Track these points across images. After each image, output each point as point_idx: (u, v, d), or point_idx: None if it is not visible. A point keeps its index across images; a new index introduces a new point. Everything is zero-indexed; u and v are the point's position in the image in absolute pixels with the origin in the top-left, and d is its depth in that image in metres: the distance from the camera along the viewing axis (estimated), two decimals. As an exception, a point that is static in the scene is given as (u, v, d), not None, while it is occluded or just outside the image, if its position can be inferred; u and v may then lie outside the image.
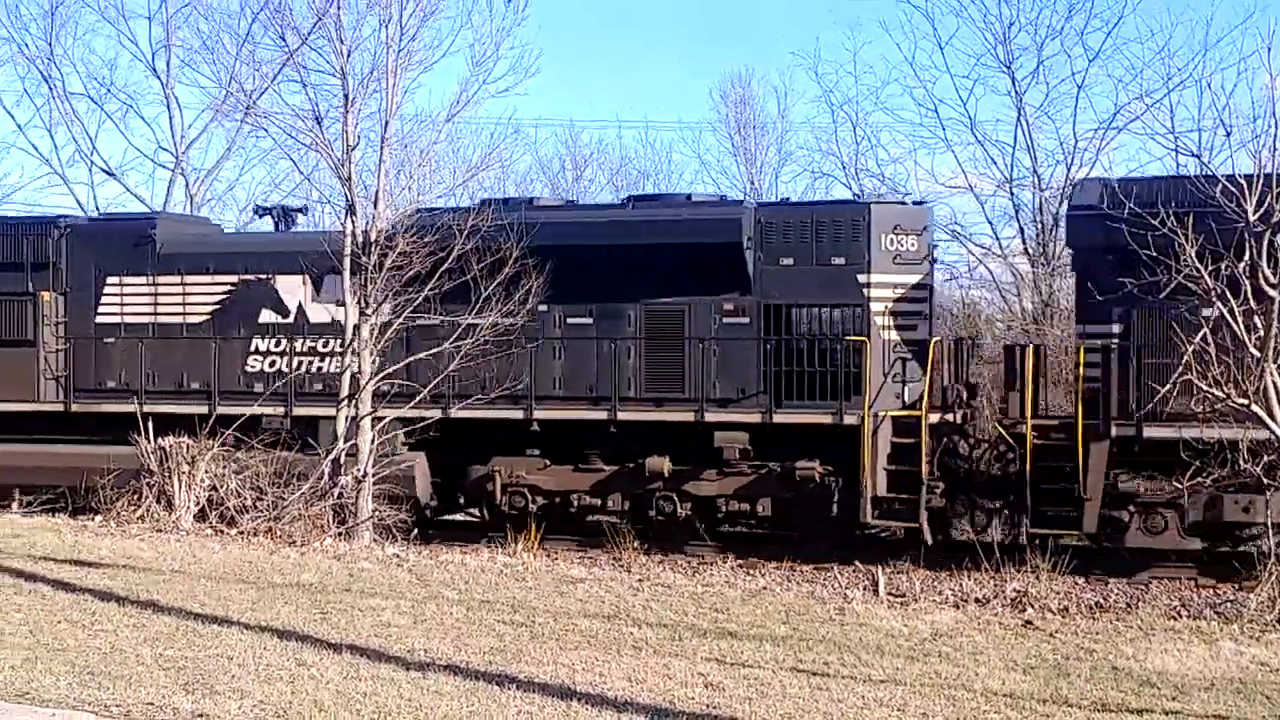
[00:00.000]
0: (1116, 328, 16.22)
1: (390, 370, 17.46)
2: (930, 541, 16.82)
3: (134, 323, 20.32)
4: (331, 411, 18.09)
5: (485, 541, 17.75)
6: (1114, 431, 15.93)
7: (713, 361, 17.87)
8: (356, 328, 17.41)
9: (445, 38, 18.00)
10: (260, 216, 23.20)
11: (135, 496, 17.82)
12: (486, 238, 17.14)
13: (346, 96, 17.53)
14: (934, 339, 17.82)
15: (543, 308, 17.98)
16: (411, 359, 17.69)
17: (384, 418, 17.47)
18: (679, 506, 17.88)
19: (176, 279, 20.23)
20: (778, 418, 17.47)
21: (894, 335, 17.69)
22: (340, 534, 16.55)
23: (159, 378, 20.05)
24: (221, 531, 16.62)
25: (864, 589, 14.16)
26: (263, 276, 19.89)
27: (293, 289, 19.83)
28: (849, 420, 17.04)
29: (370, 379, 17.39)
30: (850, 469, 17.13)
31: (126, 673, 9.19)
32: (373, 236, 17.17)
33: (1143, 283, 14.85)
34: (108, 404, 20.15)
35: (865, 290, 17.58)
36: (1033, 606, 12.76)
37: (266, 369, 19.78)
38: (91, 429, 19.97)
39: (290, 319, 19.80)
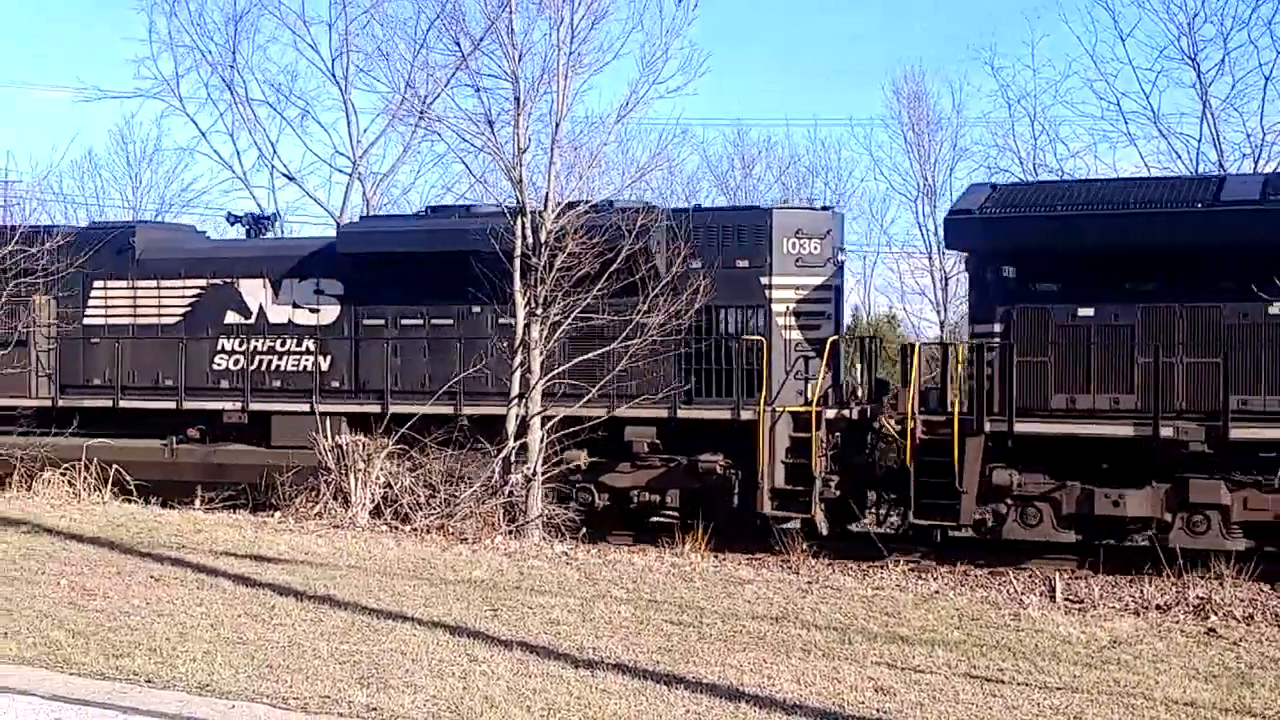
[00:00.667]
0: (998, 327, 17.11)
1: (559, 369, 17.71)
2: (825, 532, 17.59)
3: (115, 324, 21.90)
4: (286, 406, 20.15)
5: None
6: (987, 427, 16.67)
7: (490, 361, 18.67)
8: (526, 327, 17.59)
9: (615, 40, 18.11)
10: (232, 224, 24.35)
11: (313, 494, 18.23)
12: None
13: (518, 100, 17.71)
14: (831, 337, 18.52)
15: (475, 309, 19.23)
16: (581, 358, 17.96)
17: (553, 416, 17.64)
18: (596, 497, 18.79)
19: (153, 283, 21.80)
20: (682, 413, 18.28)
21: (796, 335, 18.48)
22: (510, 532, 16.71)
23: (137, 375, 21.48)
24: (395, 528, 16.89)
25: (1040, 594, 13.79)
26: (228, 280, 21.29)
27: (254, 291, 21.16)
28: (746, 415, 17.86)
29: (540, 379, 17.57)
30: (751, 462, 17.84)
31: (303, 666, 9.38)
32: (542, 238, 17.35)
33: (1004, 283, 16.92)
34: (90, 400, 21.77)
35: (767, 292, 18.40)
36: (1216, 614, 12.30)
37: (231, 367, 21.19)
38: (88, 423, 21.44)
39: (252, 320, 21.14)
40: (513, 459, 17.61)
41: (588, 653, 9.90)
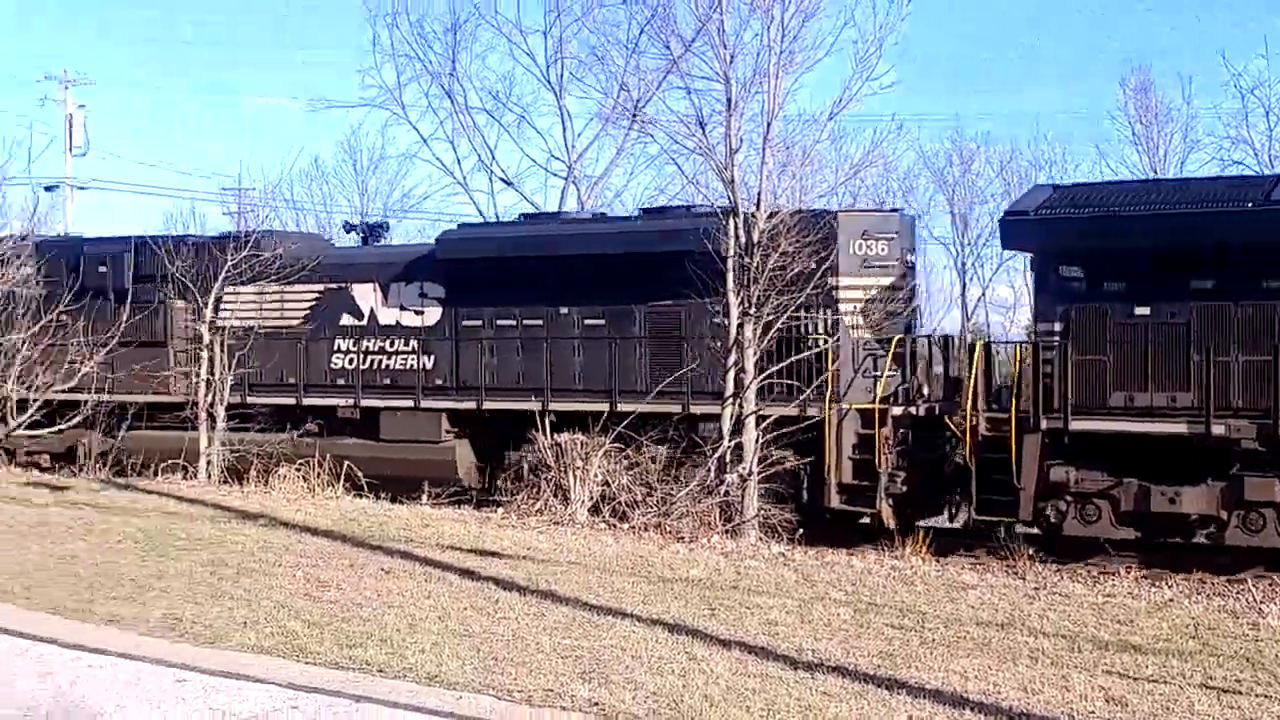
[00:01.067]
0: (1058, 325, 17.30)
1: (773, 369, 17.72)
2: (892, 526, 17.82)
3: (245, 326, 23.09)
4: (393, 402, 21.52)
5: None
6: (1044, 424, 16.87)
7: (705, 359, 19.05)
8: (740, 327, 17.59)
9: (827, 37, 17.99)
10: (348, 232, 25.74)
11: (534, 491, 18.54)
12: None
13: (729, 100, 17.72)
14: (896, 337, 18.69)
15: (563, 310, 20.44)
16: (795, 358, 17.99)
17: (768, 416, 17.62)
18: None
19: (278, 288, 23.15)
20: (768, 410, 18.26)
21: (865, 334, 18.76)
22: (727, 531, 16.72)
23: (264, 373, 22.74)
24: (614, 526, 17.05)
25: (1280, 604, 13.20)
26: (343, 285, 22.65)
27: (366, 295, 22.50)
28: (812, 413, 18.16)
29: (754, 379, 17.55)
30: (820, 458, 18.24)
31: (527, 659, 9.54)
32: (755, 238, 17.33)
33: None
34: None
35: (835, 292, 18.73)
36: None
37: (346, 366, 22.46)
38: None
39: (364, 321, 22.48)
40: (728, 458, 17.63)
41: (806, 654, 9.84)
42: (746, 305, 17.54)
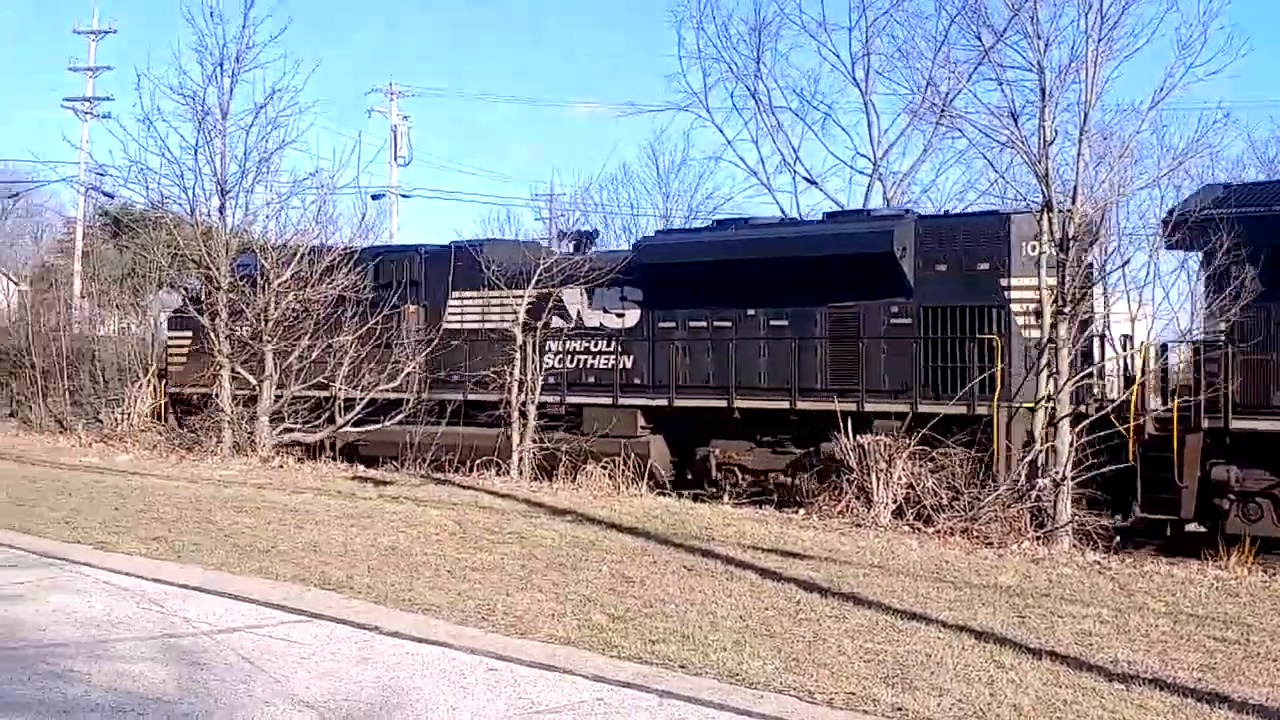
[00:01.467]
0: (1223, 326, 17.56)
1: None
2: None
3: (469, 328, 25.07)
4: (595, 400, 23.18)
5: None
6: (1205, 424, 17.25)
7: (880, 359, 20.21)
8: (1054, 325, 17.08)
9: (1149, 22, 17.36)
10: (563, 240, 26.93)
11: (836, 492, 18.45)
12: None
13: (1043, 90, 17.23)
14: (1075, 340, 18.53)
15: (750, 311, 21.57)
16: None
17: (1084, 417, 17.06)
18: None
19: (497, 292, 24.47)
20: (923, 408, 19.27)
21: (1035, 334, 18.58)
22: (1038, 538, 16.26)
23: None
24: (918, 529, 16.80)
25: None
26: (553, 289, 23.75)
27: (574, 299, 23.85)
28: (980, 411, 18.74)
29: (1068, 380, 17.02)
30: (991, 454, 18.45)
31: (829, 661, 9.48)
32: (1070, 232, 16.81)
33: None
34: (447, 393, 24.76)
35: (1006, 293, 19.24)
36: None
37: (555, 365, 23.86)
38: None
39: (571, 323, 23.92)
40: (1039, 462, 17.15)
41: (1121, 666, 9.46)
42: (1061, 303, 17.03)
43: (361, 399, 25.17)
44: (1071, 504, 16.84)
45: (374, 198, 44.06)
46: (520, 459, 22.87)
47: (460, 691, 8.64)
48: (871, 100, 30.76)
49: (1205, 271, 18.57)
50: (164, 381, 31.10)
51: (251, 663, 9.26)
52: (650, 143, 75.29)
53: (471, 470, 22.65)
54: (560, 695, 8.62)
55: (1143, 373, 18.38)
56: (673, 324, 22.61)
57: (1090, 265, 18.31)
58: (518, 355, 23.40)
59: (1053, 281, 17.67)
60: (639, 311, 23.16)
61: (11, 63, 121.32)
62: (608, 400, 23.01)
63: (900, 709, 8.32)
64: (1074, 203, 16.91)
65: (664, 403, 22.44)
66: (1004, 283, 19.29)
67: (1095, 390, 19.26)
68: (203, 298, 26.48)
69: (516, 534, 15.45)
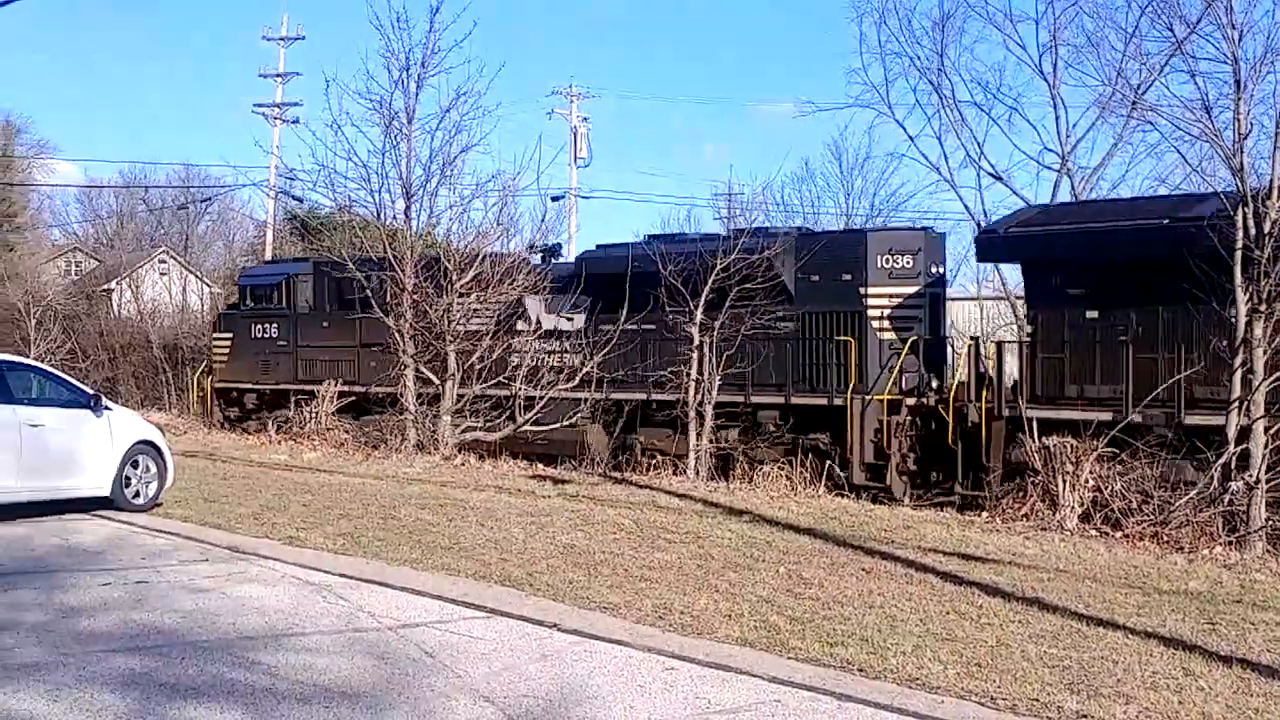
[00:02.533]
0: (1029, 328, 20.70)
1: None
2: (903, 499, 20.58)
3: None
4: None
5: None
6: (1005, 412, 19.64)
7: (768, 357, 23.15)
8: (1248, 325, 16.50)
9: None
10: (533, 253, 28.64)
11: (1020, 494, 18.10)
12: None
13: (1238, 82, 16.67)
14: (910, 339, 22.00)
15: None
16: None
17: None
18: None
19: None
20: (794, 400, 22.66)
21: (889, 336, 22.16)
22: (1230, 543, 15.72)
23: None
24: (1105, 534, 16.39)
25: None
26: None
27: (535, 306, 26.38)
28: (838, 402, 21.95)
29: (1263, 380, 16.42)
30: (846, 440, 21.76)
31: (1011, 667, 9.31)
32: (1265, 229, 16.23)
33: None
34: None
35: (864, 300, 22.27)
36: None
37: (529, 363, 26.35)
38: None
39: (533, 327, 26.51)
40: (1232, 465, 16.57)
41: (1320, 676, 9.12)
42: (1256, 301, 16.45)
43: (541, 398, 25.52)
44: (1266, 508, 16.23)
45: (554, 199, 44.61)
46: (696, 458, 22.92)
47: (637, 690, 8.69)
48: (1059, 93, 30.06)
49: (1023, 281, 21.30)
50: (210, 378, 34.59)
51: (433, 657, 9.45)
52: (834, 140, 75.01)
53: (649, 470, 22.84)
54: (737, 696, 8.62)
55: (962, 366, 21.03)
56: (609, 326, 25.10)
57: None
58: (694, 355, 23.44)
59: (905, 290, 21.94)
60: (584, 316, 26.01)
61: (205, 70, 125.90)
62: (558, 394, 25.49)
63: (1084, 716, 8.14)
64: (1272, 197, 16.30)
65: (600, 395, 25.09)
66: (862, 291, 22.32)
67: (934, 385, 21.77)
68: (388, 299, 27.08)
69: (693, 534, 15.50)
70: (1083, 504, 17.32)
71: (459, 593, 11.85)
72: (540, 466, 24.06)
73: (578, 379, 25.28)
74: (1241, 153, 16.59)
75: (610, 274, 25.07)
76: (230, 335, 34.02)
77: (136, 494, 17.12)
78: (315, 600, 11.55)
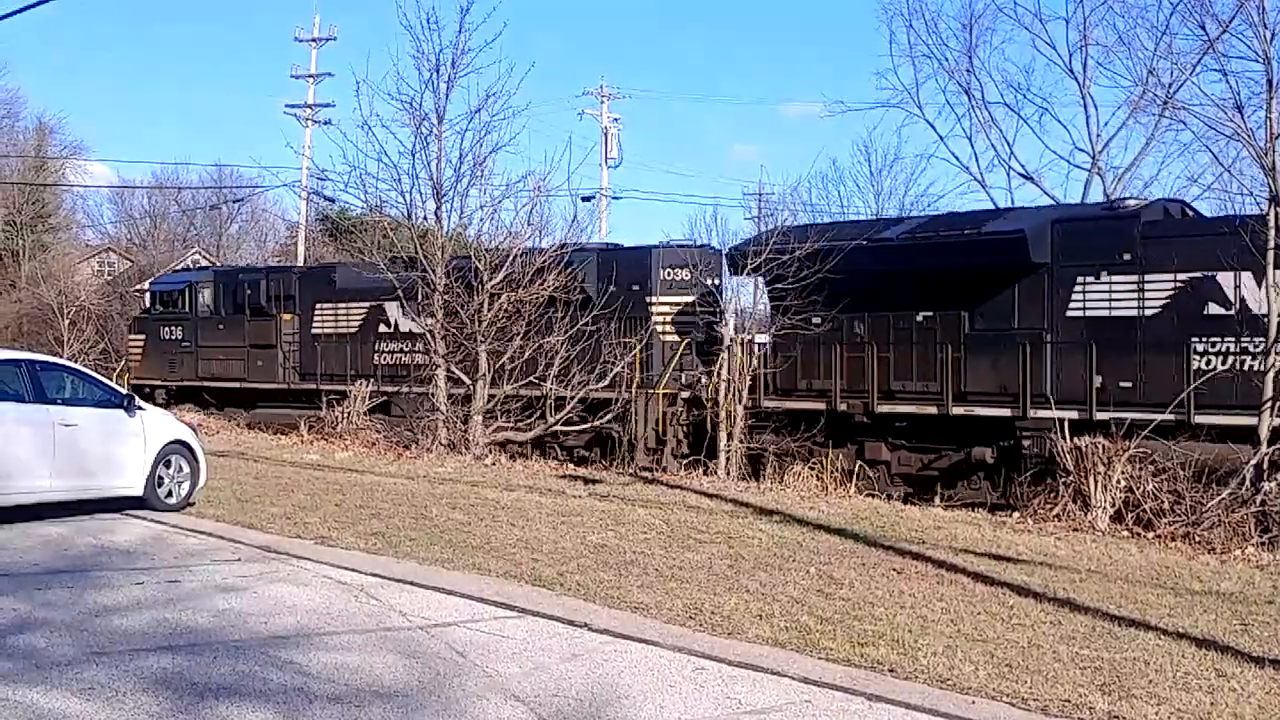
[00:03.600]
0: (769, 334, 24.35)
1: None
2: (672, 474, 23.32)
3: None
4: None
5: None
6: (748, 402, 23.50)
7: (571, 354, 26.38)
8: (1280, 326, 16.43)
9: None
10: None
11: (1051, 495, 18.03)
12: None
13: (1270, 81, 16.61)
14: (684, 341, 25.99)
15: None
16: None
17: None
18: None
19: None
20: (591, 393, 25.88)
21: (672, 338, 26.25)
22: (1262, 543, 15.64)
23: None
24: (1137, 534, 16.31)
25: None
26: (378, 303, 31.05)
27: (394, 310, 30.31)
28: (625, 396, 25.57)
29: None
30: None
31: (1043, 668, 9.28)
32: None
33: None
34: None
35: (650, 308, 26.26)
36: None
37: (388, 362, 30.82)
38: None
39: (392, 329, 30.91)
40: (1265, 466, 16.48)
41: (1353, 677, 9.06)
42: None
43: (572, 398, 25.57)
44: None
45: (584, 199, 44.68)
46: (727, 458, 22.92)
47: (668, 689, 8.70)
48: (1089, 93, 29.99)
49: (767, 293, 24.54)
50: (127, 376, 37.26)
51: (464, 656, 9.48)
52: (863, 140, 74.71)
53: (679, 470, 22.93)
54: (767, 696, 8.62)
55: (742, 367, 23.64)
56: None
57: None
58: (725, 355, 23.45)
59: (685, 299, 26.17)
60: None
61: (237, 71, 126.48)
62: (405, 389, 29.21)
63: (1116, 717, 8.12)
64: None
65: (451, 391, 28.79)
66: (649, 300, 26.29)
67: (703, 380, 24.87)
68: (419, 299, 27.19)
69: (723, 534, 15.50)
70: (1114, 504, 17.25)
71: (490, 592, 11.88)
72: (571, 466, 24.12)
73: (610, 378, 25.51)
74: (1274, 152, 16.54)
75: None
76: (143, 337, 38.10)
77: (169, 494, 17.21)
78: (347, 600, 11.60)
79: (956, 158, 33.24)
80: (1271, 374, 16.63)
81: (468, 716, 8.00)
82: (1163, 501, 16.85)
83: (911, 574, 13.04)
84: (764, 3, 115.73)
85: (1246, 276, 17.99)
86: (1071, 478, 17.88)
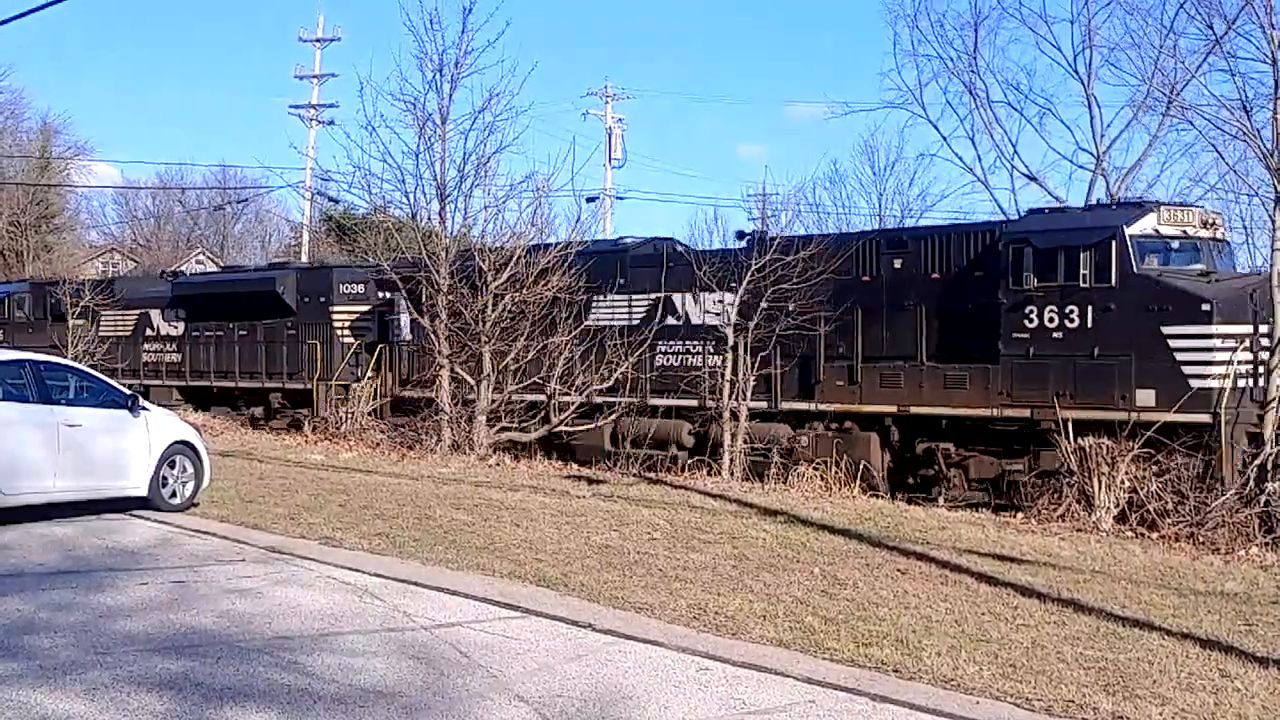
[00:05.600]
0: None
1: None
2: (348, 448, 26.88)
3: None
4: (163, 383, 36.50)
5: None
6: (397, 390, 29.54)
7: (281, 353, 33.32)
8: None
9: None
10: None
11: (1055, 495, 18.02)
12: None
13: (1276, 82, 16.61)
14: (362, 341, 31.64)
15: (231, 325, 35.66)
16: None
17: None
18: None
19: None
20: (288, 386, 32.92)
21: (350, 340, 31.88)
22: (1266, 543, 15.63)
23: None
24: (1141, 534, 16.31)
25: None
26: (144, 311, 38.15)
27: (157, 316, 37.57)
28: (306, 386, 32.20)
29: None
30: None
31: (1047, 668, 9.29)
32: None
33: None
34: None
35: (331, 313, 32.22)
36: None
37: (152, 360, 37.62)
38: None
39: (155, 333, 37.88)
40: (1269, 466, 16.47)
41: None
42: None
43: (575, 400, 25.53)
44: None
45: (588, 200, 44.70)
46: (731, 459, 22.88)
47: (672, 690, 8.71)
48: (1093, 93, 29.90)
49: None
50: None
51: (469, 657, 9.49)
52: (865, 141, 74.81)
53: (684, 469, 22.84)
54: (771, 696, 8.63)
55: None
56: (197, 333, 35.59)
57: None
58: (729, 355, 23.40)
59: (360, 309, 32.09)
60: (183, 325, 36.17)
61: (241, 71, 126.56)
62: (162, 383, 36.10)
63: (1120, 717, 8.13)
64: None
65: (196, 384, 35.86)
66: (331, 310, 32.13)
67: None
68: (423, 299, 27.21)
69: (727, 534, 15.49)
70: (1118, 505, 17.24)
71: (494, 593, 11.89)
72: (575, 466, 24.08)
73: (613, 379, 25.37)
74: (1279, 152, 16.49)
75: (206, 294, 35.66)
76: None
77: (173, 494, 17.22)
78: (352, 601, 11.61)
79: (960, 159, 33.14)
80: (1276, 374, 16.61)
81: (472, 717, 8.01)
82: (1166, 502, 16.85)
83: (915, 574, 13.04)
84: (769, 2, 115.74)
85: (689, 296, 24.56)
86: (1075, 478, 17.86)
